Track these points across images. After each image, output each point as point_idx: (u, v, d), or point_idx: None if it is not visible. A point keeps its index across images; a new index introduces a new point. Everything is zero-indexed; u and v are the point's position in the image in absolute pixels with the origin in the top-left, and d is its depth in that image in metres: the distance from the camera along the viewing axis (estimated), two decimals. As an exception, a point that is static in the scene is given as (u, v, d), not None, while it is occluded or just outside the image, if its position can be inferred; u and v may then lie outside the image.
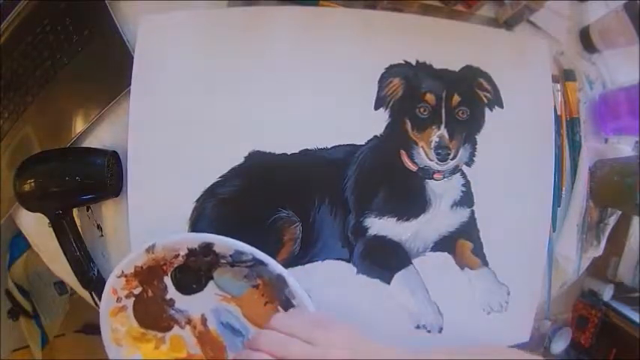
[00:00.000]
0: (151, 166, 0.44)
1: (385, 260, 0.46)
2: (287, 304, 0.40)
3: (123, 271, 0.40)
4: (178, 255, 0.39)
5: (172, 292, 0.41)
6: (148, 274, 0.40)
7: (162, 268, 0.40)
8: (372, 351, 0.33)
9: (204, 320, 0.41)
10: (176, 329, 0.41)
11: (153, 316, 0.41)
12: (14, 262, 0.75)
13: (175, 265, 0.40)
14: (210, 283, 0.41)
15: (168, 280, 0.41)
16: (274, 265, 0.39)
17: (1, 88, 0.48)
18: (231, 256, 0.39)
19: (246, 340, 0.41)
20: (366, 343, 0.34)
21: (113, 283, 0.40)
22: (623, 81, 0.58)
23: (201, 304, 0.41)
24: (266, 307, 0.41)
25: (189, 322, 0.41)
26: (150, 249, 0.39)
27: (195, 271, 0.40)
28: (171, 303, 0.41)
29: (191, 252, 0.39)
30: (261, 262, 0.39)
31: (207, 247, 0.39)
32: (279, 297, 0.40)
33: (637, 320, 0.72)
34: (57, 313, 0.82)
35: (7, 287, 0.76)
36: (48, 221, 0.43)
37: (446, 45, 0.49)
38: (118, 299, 0.40)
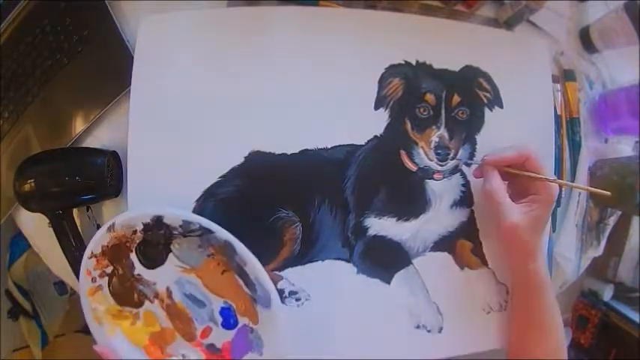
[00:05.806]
0: (151, 166, 0.44)
1: (385, 260, 0.46)
2: (241, 272, 0.40)
3: (92, 252, 0.41)
4: (136, 231, 0.40)
5: (139, 268, 0.42)
6: (115, 253, 0.41)
7: (125, 245, 0.41)
8: None
9: (169, 293, 0.42)
10: (147, 304, 0.42)
11: (126, 292, 0.42)
12: (14, 262, 0.75)
13: (137, 242, 0.41)
14: (170, 256, 0.42)
15: (133, 257, 0.42)
16: (221, 232, 0.39)
17: (1, 88, 0.48)
18: (180, 226, 0.40)
19: (209, 309, 0.42)
20: None
21: (86, 264, 0.41)
22: (623, 81, 0.58)
23: (165, 277, 0.42)
24: (224, 276, 0.41)
25: (156, 296, 0.42)
26: (110, 227, 0.40)
27: (155, 245, 0.41)
28: (139, 278, 0.42)
29: (146, 227, 0.40)
30: (209, 230, 0.39)
31: (158, 220, 0.40)
32: (232, 264, 0.40)
33: (637, 320, 0.72)
34: (57, 313, 0.82)
35: (7, 287, 0.76)
36: (48, 221, 0.43)
37: (446, 45, 0.49)
38: (93, 279, 0.41)
